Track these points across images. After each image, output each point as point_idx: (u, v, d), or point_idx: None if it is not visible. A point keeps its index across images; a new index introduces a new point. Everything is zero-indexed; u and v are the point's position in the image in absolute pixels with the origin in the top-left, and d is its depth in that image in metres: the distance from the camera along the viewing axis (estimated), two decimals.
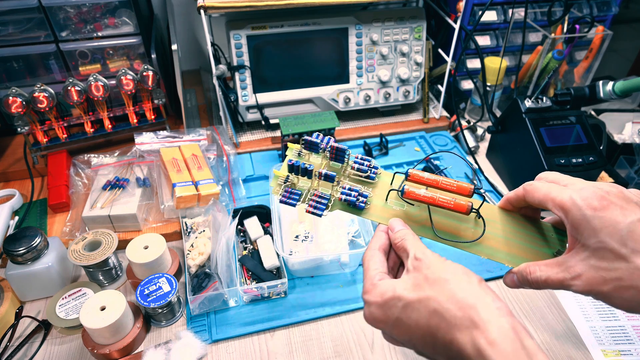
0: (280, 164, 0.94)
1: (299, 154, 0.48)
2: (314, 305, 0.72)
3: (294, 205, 0.46)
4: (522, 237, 0.45)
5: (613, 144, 0.97)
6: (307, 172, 0.46)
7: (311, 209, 0.45)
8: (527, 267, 0.41)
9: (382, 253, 0.43)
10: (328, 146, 0.46)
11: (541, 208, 0.43)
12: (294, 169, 0.46)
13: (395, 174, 0.47)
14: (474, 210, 0.43)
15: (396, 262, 0.44)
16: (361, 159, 0.47)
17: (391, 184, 0.47)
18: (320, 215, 0.46)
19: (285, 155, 0.50)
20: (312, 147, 0.47)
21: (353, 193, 0.45)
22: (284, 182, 0.47)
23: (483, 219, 0.44)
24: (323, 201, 0.46)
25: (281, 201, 0.46)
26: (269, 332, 0.69)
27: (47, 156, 0.92)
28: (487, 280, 0.77)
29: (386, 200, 0.46)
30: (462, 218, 0.45)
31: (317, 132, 0.49)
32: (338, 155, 0.47)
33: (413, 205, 0.46)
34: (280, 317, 0.70)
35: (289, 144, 0.49)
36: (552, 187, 0.40)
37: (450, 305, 0.35)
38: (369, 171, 0.47)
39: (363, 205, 0.45)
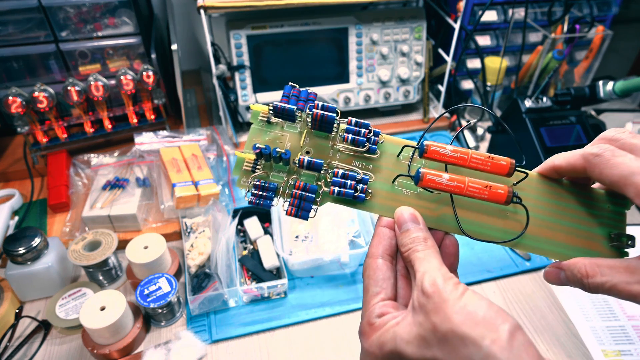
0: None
1: (267, 120, 0.36)
2: (314, 305, 0.72)
3: (268, 206, 0.34)
4: (568, 215, 0.35)
5: None
6: (282, 160, 0.34)
7: (294, 209, 0.34)
8: (584, 266, 0.31)
9: (386, 261, 0.34)
10: (309, 110, 0.34)
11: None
12: (263, 155, 0.34)
13: (404, 147, 0.35)
14: (515, 199, 0.33)
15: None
16: (355, 124, 0.35)
17: (398, 155, 0.36)
18: (307, 218, 0.34)
19: (250, 124, 0.36)
20: (286, 116, 0.34)
21: (349, 182, 0.34)
22: (252, 171, 0.35)
23: (526, 209, 0.34)
24: (308, 195, 0.34)
25: (251, 202, 0.34)
26: (269, 332, 0.69)
27: (47, 156, 0.92)
28: (486, 280, 0.77)
29: (393, 182, 0.35)
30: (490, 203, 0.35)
31: (290, 84, 0.35)
32: (324, 125, 0.34)
33: (431, 192, 0.35)
34: (280, 317, 0.70)
35: (251, 106, 0.36)
36: (632, 163, 0.30)
37: None
38: (368, 141, 0.35)
39: (363, 195, 0.34)
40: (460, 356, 0.26)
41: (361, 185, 0.34)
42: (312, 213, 0.34)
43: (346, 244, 0.76)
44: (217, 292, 0.69)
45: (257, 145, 0.34)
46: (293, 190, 0.34)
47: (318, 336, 0.68)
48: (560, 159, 0.34)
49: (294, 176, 0.35)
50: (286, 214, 0.34)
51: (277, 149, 0.33)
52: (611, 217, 0.35)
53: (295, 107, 0.34)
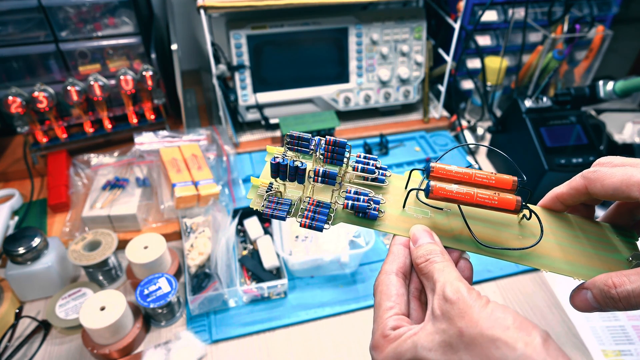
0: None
1: (282, 157, 0.37)
2: (314, 305, 0.72)
3: (283, 218, 0.35)
4: (581, 243, 0.35)
5: (613, 144, 0.97)
6: (298, 174, 0.35)
7: (308, 221, 0.34)
8: (609, 278, 0.30)
9: (400, 279, 0.33)
10: (322, 142, 0.35)
11: (610, 200, 0.34)
12: (279, 171, 0.35)
13: (412, 170, 0.37)
14: (523, 206, 0.33)
15: (421, 287, 0.34)
16: (364, 157, 0.37)
17: (406, 186, 0.37)
18: (321, 229, 0.34)
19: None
20: (301, 145, 0.35)
21: (362, 197, 0.35)
22: (267, 191, 0.36)
23: (537, 216, 0.34)
24: (322, 210, 0.35)
25: (266, 214, 0.35)
26: (269, 332, 0.69)
27: (47, 156, 0.92)
28: (486, 281, 0.77)
29: (404, 207, 0.36)
30: (501, 222, 0.36)
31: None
32: (335, 153, 0.35)
33: (441, 209, 0.36)
34: (280, 317, 0.70)
35: (267, 147, 0.38)
36: (628, 169, 0.31)
37: None
38: (377, 172, 0.37)
39: (376, 213, 0.35)
40: (491, 358, 0.25)
41: (373, 204, 0.35)
42: (326, 225, 0.35)
43: (346, 244, 0.76)
44: (217, 292, 0.69)
45: (275, 157, 0.34)
46: (307, 205, 0.35)
47: (318, 336, 0.68)
48: (561, 187, 0.35)
49: (308, 195, 0.36)
50: (300, 225, 0.35)
51: (294, 160, 0.34)
52: (622, 244, 0.35)
53: (309, 136, 0.35)
